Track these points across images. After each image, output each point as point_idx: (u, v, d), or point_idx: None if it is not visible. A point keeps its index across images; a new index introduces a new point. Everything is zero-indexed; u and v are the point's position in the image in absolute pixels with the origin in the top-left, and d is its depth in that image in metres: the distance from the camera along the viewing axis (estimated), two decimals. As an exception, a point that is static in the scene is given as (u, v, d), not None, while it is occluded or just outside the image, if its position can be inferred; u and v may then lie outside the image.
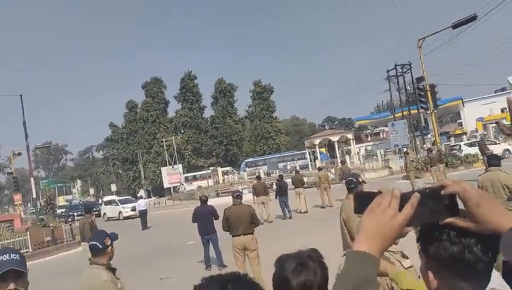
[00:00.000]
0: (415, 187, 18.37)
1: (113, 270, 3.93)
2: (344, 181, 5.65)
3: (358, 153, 47.67)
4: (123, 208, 33.50)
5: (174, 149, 62.34)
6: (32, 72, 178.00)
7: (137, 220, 24.98)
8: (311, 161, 49.50)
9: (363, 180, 5.47)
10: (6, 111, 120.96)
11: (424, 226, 1.12)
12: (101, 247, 3.90)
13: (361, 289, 0.89)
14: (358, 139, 62.38)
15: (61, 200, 72.68)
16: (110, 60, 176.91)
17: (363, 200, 1.05)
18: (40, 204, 35.39)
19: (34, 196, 27.91)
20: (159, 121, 69.26)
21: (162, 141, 63.71)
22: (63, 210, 43.86)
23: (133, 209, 31.53)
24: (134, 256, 14.77)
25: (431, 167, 20.31)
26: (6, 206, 72.59)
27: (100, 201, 54.34)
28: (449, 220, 1.00)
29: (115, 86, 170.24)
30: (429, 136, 38.76)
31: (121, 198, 38.29)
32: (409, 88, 37.37)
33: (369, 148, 56.65)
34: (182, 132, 69.13)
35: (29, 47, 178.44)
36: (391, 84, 38.65)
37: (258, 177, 19.76)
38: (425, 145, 33.41)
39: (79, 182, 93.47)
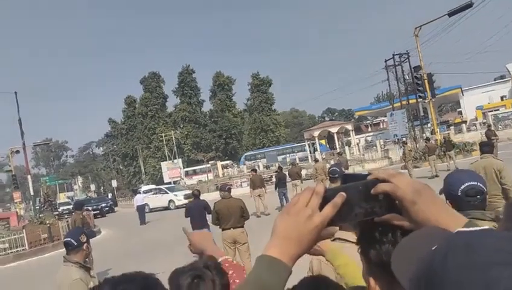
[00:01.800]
0: (413, 177, 18.36)
1: (87, 269, 3.81)
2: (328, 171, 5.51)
3: (358, 144, 47.57)
4: (175, 195, 30.70)
5: (173, 144, 62.28)
6: (29, 69, 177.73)
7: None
8: (310, 152, 49.35)
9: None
10: (5, 109, 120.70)
11: (364, 226, 0.99)
12: (75, 244, 3.82)
13: None
14: (358, 130, 62.36)
15: (62, 197, 72.42)
16: (107, 55, 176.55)
17: (349, 182, 0.90)
18: (40, 201, 35.33)
19: (32, 193, 27.89)
20: (158, 116, 69.24)
21: (162, 136, 63.69)
22: (67, 207, 41.95)
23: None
24: (129, 251, 14.73)
25: (429, 156, 20.22)
26: (8, 204, 72.67)
27: (109, 196, 53.76)
28: (385, 217, 0.87)
29: (113, 81, 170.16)
30: (428, 125, 38.52)
31: (169, 186, 36.43)
32: (408, 77, 37.09)
33: (369, 138, 56.56)
34: (181, 126, 69.07)
35: (25, 44, 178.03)
36: (389, 74, 38.40)
37: (254, 170, 19.62)
38: (424, 135, 33.25)
39: (80, 179, 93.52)
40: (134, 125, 70.51)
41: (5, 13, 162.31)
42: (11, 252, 16.89)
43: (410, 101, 35.53)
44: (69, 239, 3.88)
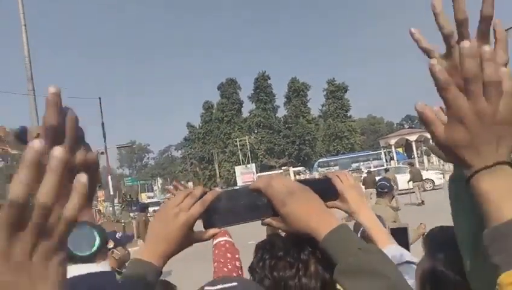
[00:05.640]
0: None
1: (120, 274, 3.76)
2: (377, 185, 5.14)
3: (438, 154, 45.05)
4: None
5: (247, 149, 63.22)
6: (115, 74, 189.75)
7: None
8: (386, 161, 47.62)
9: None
10: (95, 112, 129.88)
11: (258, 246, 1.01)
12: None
13: None
14: (440, 139, 58.97)
15: (143, 197, 75.94)
16: (186, 61, 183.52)
17: None
18: (119, 201, 37.45)
19: (111, 193, 29.73)
20: (234, 121, 70.61)
21: (236, 141, 64.90)
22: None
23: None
24: (195, 252, 15.05)
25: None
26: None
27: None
28: (267, 221, 0.88)
29: (191, 87, 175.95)
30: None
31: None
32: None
33: (451, 147, 53.35)
34: (256, 131, 69.93)
35: (108, 50, 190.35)
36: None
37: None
38: None
39: (159, 180, 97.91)
40: (211, 130, 72.55)
41: (85, 18, 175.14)
42: (88, 248, 17.96)
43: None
44: None
